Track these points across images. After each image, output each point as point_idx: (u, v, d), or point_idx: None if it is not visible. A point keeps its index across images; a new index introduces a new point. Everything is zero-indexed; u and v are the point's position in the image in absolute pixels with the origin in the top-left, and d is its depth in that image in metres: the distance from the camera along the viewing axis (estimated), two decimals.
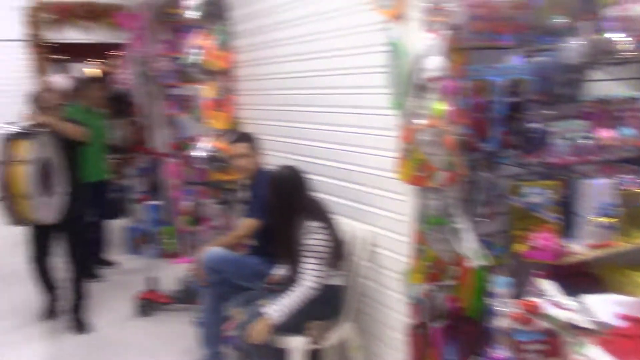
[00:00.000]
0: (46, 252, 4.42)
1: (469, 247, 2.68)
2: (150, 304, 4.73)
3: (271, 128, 4.13)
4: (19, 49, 9.37)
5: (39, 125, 4.08)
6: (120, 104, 7.65)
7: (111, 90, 7.40)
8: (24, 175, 3.89)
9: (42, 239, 4.40)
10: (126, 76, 6.76)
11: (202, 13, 4.44)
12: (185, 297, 4.63)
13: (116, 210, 6.34)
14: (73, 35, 9.61)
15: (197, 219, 5.60)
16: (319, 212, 3.15)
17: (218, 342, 3.71)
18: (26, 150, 3.95)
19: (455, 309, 2.76)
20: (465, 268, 2.69)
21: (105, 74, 10.16)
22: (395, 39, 2.71)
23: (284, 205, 3.13)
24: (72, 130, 4.24)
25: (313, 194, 3.24)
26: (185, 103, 6.22)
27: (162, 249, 6.16)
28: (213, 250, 3.55)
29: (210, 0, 4.41)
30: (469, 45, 2.59)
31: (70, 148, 4.28)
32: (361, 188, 3.31)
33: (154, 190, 6.52)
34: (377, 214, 3.19)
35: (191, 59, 4.63)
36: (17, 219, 4.00)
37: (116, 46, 8.44)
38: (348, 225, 3.32)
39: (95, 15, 9.50)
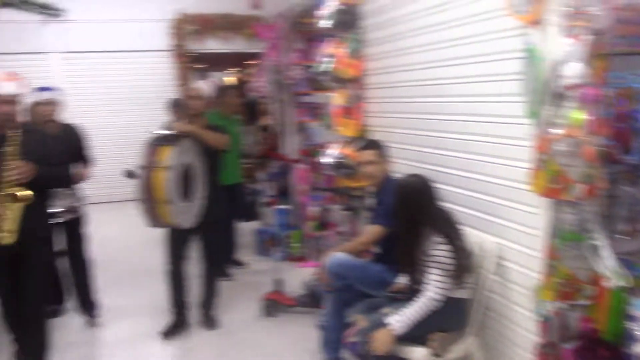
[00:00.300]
0: (182, 255, 4.50)
1: (607, 265, 2.52)
2: (275, 305, 4.86)
3: (400, 136, 4.11)
4: (164, 58, 10.04)
5: (183, 133, 4.16)
6: (253, 111, 7.97)
7: (246, 98, 7.73)
8: (166, 180, 3.95)
9: (179, 242, 4.47)
10: (261, 84, 7.01)
11: (334, 22, 4.51)
12: (309, 300, 4.71)
13: (248, 213, 6.59)
14: (213, 45, 10.16)
15: (324, 224, 5.69)
16: (446, 222, 3.09)
17: (339, 347, 3.74)
18: (169, 156, 4.00)
19: (589, 331, 2.60)
20: (602, 288, 2.53)
21: (241, 81, 10.64)
22: (532, 45, 2.61)
23: (411, 214, 3.10)
24: (215, 139, 4.32)
25: (441, 203, 3.19)
26: (315, 110, 6.37)
27: (289, 252, 6.31)
28: (337, 256, 3.59)
29: (343, 9, 4.46)
30: (612, 50, 2.44)
31: (211, 154, 4.36)
32: (491, 199, 3.21)
33: (283, 194, 6.72)
34: (507, 226, 3.08)
35: (323, 67, 4.71)
36: (157, 222, 4.08)
37: (252, 55, 8.81)
38: (475, 237, 3.24)
39: (234, 26, 9.98)
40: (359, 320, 3.19)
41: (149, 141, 4.10)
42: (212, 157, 4.39)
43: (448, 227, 3.07)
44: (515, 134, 2.90)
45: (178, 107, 7.03)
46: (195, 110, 4.38)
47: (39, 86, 4.65)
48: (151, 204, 3.99)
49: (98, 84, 9.54)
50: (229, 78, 11.58)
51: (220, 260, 5.38)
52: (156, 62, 9.97)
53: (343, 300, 3.60)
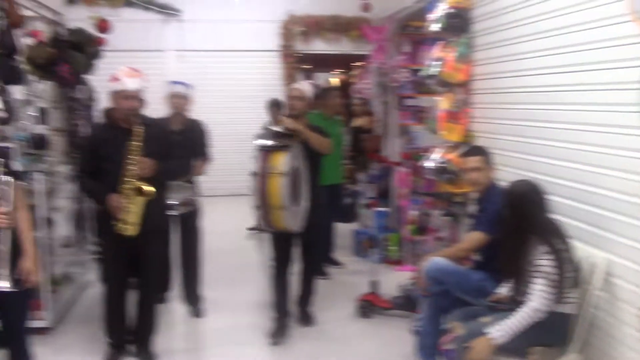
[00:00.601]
0: (288, 258, 4.50)
1: None
2: (370, 306, 4.88)
3: (506, 143, 4.02)
4: (272, 58, 10.31)
5: (289, 131, 4.17)
6: (348, 112, 8.03)
7: (349, 99, 7.80)
8: (280, 187, 3.97)
9: (285, 245, 4.46)
10: (365, 86, 7.05)
11: (444, 26, 4.48)
12: (405, 304, 4.71)
13: (347, 214, 6.65)
14: (320, 46, 10.32)
15: (423, 228, 5.66)
16: (554, 233, 3.00)
17: (434, 353, 3.72)
18: (282, 161, 4.02)
19: None
20: None
21: (345, 83, 10.73)
22: None
23: (518, 220, 3.04)
24: (320, 142, 4.30)
25: (549, 212, 3.10)
26: (420, 114, 6.33)
27: (386, 255, 6.32)
28: (436, 260, 3.56)
29: (453, 13, 4.41)
30: None
31: (313, 156, 4.36)
32: (601, 212, 3.08)
33: (383, 197, 6.72)
34: (618, 241, 2.94)
35: (430, 70, 4.68)
36: (271, 227, 4.17)
37: (358, 57, 8.88)
38: (583, 251, 3.11)
39: (341, 27, 10.10)
40: (456, 327, 3.16)
41: (261, 146, 4.15)
42: (315, 159, 4.40)
43: (556, 238, 2.98)
44: (632, 146, 2.77)
45: (276, 107, 7.23)
46: (297, 110, 4.38)
47: (173, 80, 4.87)
48: (266, 210, 4.06)
49: (209, 82, 9.94)
50: (334, 79, 11.71)
51: (319, 260, 5.41)
52: (264, 62, 10.27)
53: (439, 306, 3.58)
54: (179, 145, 4.41)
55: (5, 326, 3.10)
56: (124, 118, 3.76)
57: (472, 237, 3.60)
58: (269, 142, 4.16)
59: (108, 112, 3.94)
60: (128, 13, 9.44)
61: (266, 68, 10.24)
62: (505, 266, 3.15)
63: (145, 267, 3.99)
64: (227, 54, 10.20)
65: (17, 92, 4.67)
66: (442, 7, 4.53)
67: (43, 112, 5.84)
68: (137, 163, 3.67)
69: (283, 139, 4.17)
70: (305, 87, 4.52)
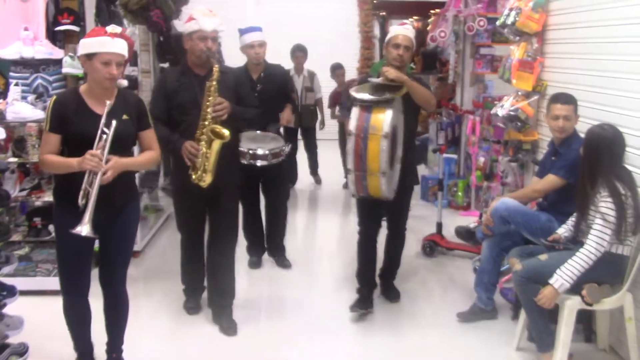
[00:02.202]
0: (377, 225, 4.15)
1: None
2: (434, 245, 5.15)
3: (578, 93, 4.07)
4: (348, 4, 10.40)
5: (393, 82, 3.69)
6: (431, 61, 8.10)
7: (426, 47, 7.86)
8: (381, 150, 3.54)
9: (375, 211, 4.09)
10: (441, 34, 7.09)
11: None
12: (466, 236, 4.95)
13: (418, 158, 6.85)
14: None
15: (490, 175, 5.80)
16: (622, 179, 3.12)
17: (493, 290, 3.96)
18: (385, 121, 3.56)
19: None
20: None
21: (420, 30, 10.71)
22: None
23: (591, 162, 3.17)
24: (426, 95, 3.85)
25: (622, 160, 3.21)
26: (494, 63, 6.38)
27: (453, 200, 6.52)
28: (507, 200, 3.73)
29: None
30: None
31: (412, 112, 3.96)
32: None
33: (453, 143, 6.87)
34: None
35: (506, 19, 4.75)
36: (365, 193, 3.73)
37: (435, 4, 8.86)
38: None
39: None
40: (514, 263, 3.37)
41: (360, 100, 3.65)
42: (412, 115, 3.99)
43: (622, 183, 3.10)
44: None
45: (340, 70, 7.40)
46: (401, 62, 3.85)
47: (247, 26, 4.58)
48: (361, 175, 3.64)
49: (285, 27, 10.16)
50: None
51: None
52: (340, 8, 10.38)
53: (500, 247, 3.79)
54: (262, 95, 4.42)
55: (104, 254, 3.13)
56: (199, 61, 3.61)
57: (548, 180, 3.66)
58: (368, 97, 3.64)
59: (183, 57, 3.81)
60: None
61: (343, 14, 10.36)
62: (573, 206, 3.32)
63: (218, 221, 3.82)
64: (305, 1, 10.37)
65: None
66: None
67: (134, 55, 6.27)
68: (214, 104, 3.49)
69: (384, 92, 3.66)
70: (411, 32, 3.93)
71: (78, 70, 4.19)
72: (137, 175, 4.16)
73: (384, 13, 11.34)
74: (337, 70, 7.47)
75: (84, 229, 2.77)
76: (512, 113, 4.61)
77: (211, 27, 3.54)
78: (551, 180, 3.60)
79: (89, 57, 2.86)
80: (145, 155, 3.11)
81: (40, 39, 4.18)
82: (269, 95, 4.57)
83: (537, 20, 4.49)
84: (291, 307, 4.28)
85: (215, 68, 3.50)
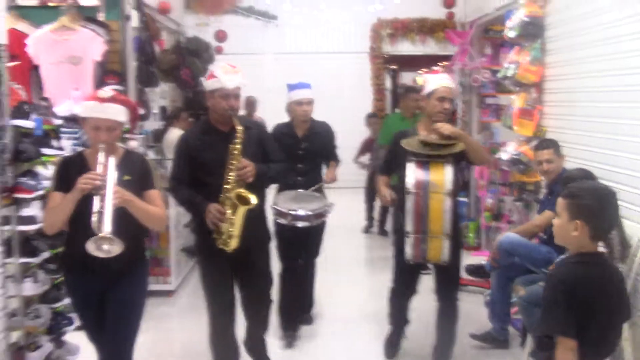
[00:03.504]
0: (415, 288, 3.96)
1: None
2: None
3: (573, 136, 4.49)
4: (361, 59, 10.97)
5: (447, 139, 3.52)
6: None
7: None
8: (445, 209, 3.36)
9: (416, 274, 3.91)
10: None
11: (519, 32, 5.00)
12: (476, 272, 5.28)
13: None
14: (406, 47, 10.89)
15: (498, 215, 6.17)
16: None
17: (505, 319, 4.30)
18: (445, 176, 3.40)
19: None
20: None
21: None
22: None
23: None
24: (480, 150, 3.71)
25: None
26: (499, 111, 6.83)
27: (465, 242, 6.87)
28: (510, 235, 4.13)
29: (528, 21, 4.92)
30: None
31: (460, 168, 3.76)
32: None
33: (462, 188, 7.26)
34: None
35: (507, 72, 5.21)
36: (423, 257, 3.52)
37: (443, 58, 9.39)
38: (632, 228, 3.58)
39: (427, 29, 10.62)
40: (518, 289, 3.74)
41: (415, 155, 3.49)
42: (459, 172, 3.76)
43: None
44: None
45: (374, 118, 7.75)
46: (444, 114, 3.65)
47: (295, 83, 4.50)
48: (422, 237, 3.41)
49: (303, 80, 10.66)
50: (419, 79, 12.22)
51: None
52: (354, 62, 10.95)
53: (507, 276, 4.15)
54: (307, 153, 4.38)
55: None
56: (222, 119, 3.43)
57: (544, 216, 4.08)
58: (426, 152, 3.48)
59: (206, 114, 3.70)
60: (231, 20, 10.34)
61: (356, 68, 10.91)
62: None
63: (248, 283, 3.62)
64: (320, 56, 10.95)
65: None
66: (518, 15, 5.06)
67: (164, 110, 6.81)
68: (238, 167, 3.29)
69: (437, 149, 3.48)
70: (451, 82, 3.77)
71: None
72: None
73: (394, 66, 11.91)
74: (371, 118, 7.89)
75: (104, 227, 2.62)
76: (515, 157, 5.01)
77: (233, 85, 3.37)
78: (547, 215, 3.99)
79: (83, 120, 2.89)
80: (152, 207, 2.95)
81: None
82: (314, 152, 4.47)
83: (535, 72, 4.94)
84: None
85: (239, 129, 3.33)
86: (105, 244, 2.61)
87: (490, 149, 6.55)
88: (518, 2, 5.16)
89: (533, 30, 4.95)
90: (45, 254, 3.58)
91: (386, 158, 3.96)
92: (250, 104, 8.53)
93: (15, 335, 3.38)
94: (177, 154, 3.61)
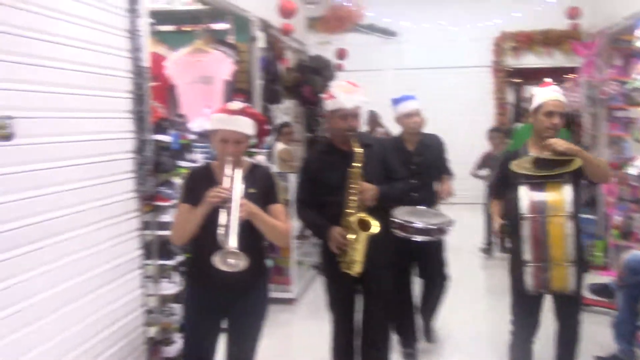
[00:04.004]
0: (538, 322, 3.52)
1: None
2: None
3: None
4: (483, 73, 10.84)
5: (563, 156, 3.17)
6: (567, 124, 8.24)
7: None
8: (566, 233, 3.07)
9: (538, 306, 3.47)
10: (575, 98, 7.32)
11: None
12: (601, 291, 5.06)
13: None
14: (530, 60, 10.63)
15: (627, 233, 5.87)
16: None
17: (632, 340, 4.10)
18: (565, 197, 3.11)
19: None
20: None
21: None
22: None
23: None
24: (601, 165, 3.34)
25: None
26: (628, 125, 6.52)
27: (592, 261, 6.58)
28: (638, 253, 3.96)
29: None
30: None
31: (579, 186, 3.31)
32: None
33: (589, 204, 6.96)
34: None
35: (637, 83, 5.00)
36: (544, 287, 3.20)
37: (569, 70, 9.08)
38: None
39: (552, 41, 10.31)
40: None
41: (528, 177, 3.22)
42: (579, 190, 3.33)
43: None
44: None
45: (496, 132, 7.55)
46: (555, 132, 3.33)
47: (400, 96, 4.42)
48: (543, 266, 3.13)
49: (424, 97, 10.70)
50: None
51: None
52: (475, 77, 10.83)
53: (635, 296, 3.97)
54: (419, 168, 4.23)
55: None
56: (342, 139, 3.38)
57: None
58: (535, 173, 3.21)
59: (327, 134, 3.64)
60: (352, 38, 10.59)
61: (477, 82, 10.78)
62: None
63: (371, 305, 3.55)
64: (441, 70, 10.93)
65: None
66: None
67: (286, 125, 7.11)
68: (358, 191, 3.24)
69: (550, 167, 3.19)
70: (561, 95, 3.44)
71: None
72: None
73: (518, 80, 11.64)
74: (492, 132, 7.79)
75: (226, 245, 2.63)
76: None
77: (351, 105, 3.30)
78: None
79: (213, 133, 2.92)
80: (277, 221, 2.93)
81: None
82: (426, 166, 4.31)
83: None
84: None
85: (358, 151, 3.24)
86: (231, 258, 2.62)
87: (620, 163, 6.26)
88: None
89: None
90: (179, 257, 3.89)
91: (496, 180, 3.73)
92: (373, 119, 8.64)
93: (152, 331, 3.69)
94: (301, 175, 3.65)
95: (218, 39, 5.03)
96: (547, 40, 10.35)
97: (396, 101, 4.40)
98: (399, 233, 3.70)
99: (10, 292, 2.50)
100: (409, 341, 4.47)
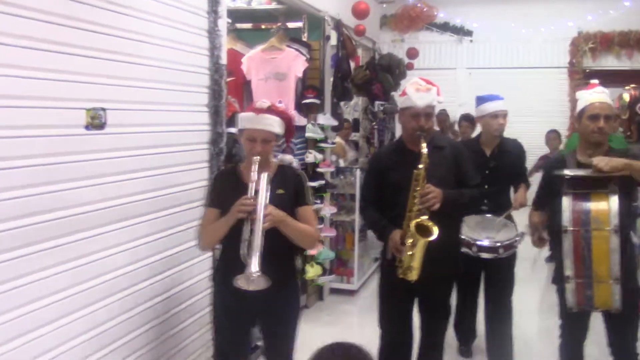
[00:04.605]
0: (584, 336, 3.30)
1: None
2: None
3: None
4: (560, 75, 10.67)
5: (604, 173, 2.91)
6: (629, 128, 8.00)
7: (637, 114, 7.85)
8: (612, 248, 2.87)
9: (586, 322, 3.25)
10: None
11: None
12: None
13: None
14: (609, 62, 10.39)
15: None
16: None
17: None
18: (611, 211, 2.90)
19: None
20: None
21: (636, 98, 10.55)
22: None
23: None
24: None
25: None
26: None
27: None
28: None
29: None
30: None
31: (626, 195, 3.05)
32: None
33: None
34: None
35: None
36: (588, 305, 2.99)
37: None
38: None
39: (633, 42, 10.04)
40: None
41: (571, 186, 3.02)
42: (629, 197, 3.12)
43: None
44: None
45: (554, 134, 7.40)
46: (602, 137, 3.12)
47: (487, 94, 4.19)
48: (586, 282, 2.94)
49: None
50: (625, 95, 11.54)
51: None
52: (551, 78, 10.67)
53: None
54: (495, 173, 3.99)
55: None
56: (412, 139, 3.24)
57: None
58: (578, 174, 3.03)
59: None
60: (426, 36, 10.65)
61: (553, 84, 10.62)
62: None
63: (429, 316, 3.45)
64: (514, 71, 10.82)
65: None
66: None
67: (356, 122, 7.29)
68: (421, 194, 3.05)
69: (592, 187, 2.99)
70: (606, 96, 3.21)
71: (318, 135, 5.17)
72: None
73: (596, 82, 11.37)
74: (550, 134, 7.70)
75: (248, 270, 2.55)
76: None
77: (423, 104, 3.16)
78: None
79: (240, 132, 2.89)
80: (305, 226, 2.85)
81: (290, 109, 5.19)
82: (502, 172, 4.04)
83: None
84: None
85: (424, 153, 3.08)
86: (254, 279, 2.55)
87: None
88: None
89: None
90: None
91: (540, 190, 3.49)
92: (442, 120, 8.54)
93: None
94: (367, 172, 3.57)
95: (292, 37, 5.24)
96: (628, 41, 10.09)
97: (481, 100, 4.14)
98: (465, 250, 3.64)
99: (99, 264, 2.77)
100: (466, 337, 4.49)
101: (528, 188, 4.19)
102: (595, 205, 2.92)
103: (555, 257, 3.32)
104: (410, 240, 3.04)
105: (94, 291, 2.76)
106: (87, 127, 2.63)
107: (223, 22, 3.55)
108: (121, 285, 2.94)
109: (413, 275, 3.09)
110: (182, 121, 3.35)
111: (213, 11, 3.39)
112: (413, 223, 3.02)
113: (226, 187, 2.86)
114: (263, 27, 5.48)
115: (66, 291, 2.58)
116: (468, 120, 6.72)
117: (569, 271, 2.95)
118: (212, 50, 3.46)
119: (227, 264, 2.86)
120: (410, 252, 3.04)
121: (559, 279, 3.15)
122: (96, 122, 2.67)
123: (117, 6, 2.79)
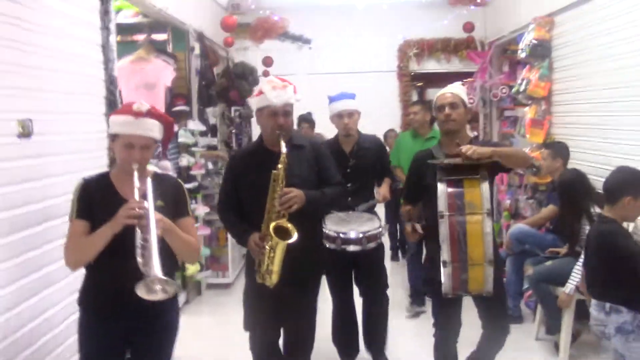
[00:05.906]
0: (459, 323, 3.37)
1: None
2: None
3: (578, 142, 5.16)
4: (389, 78, 11.73)
5: (472, 160, 2.97)
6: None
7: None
8: (485, 231, 2.91)
9: (458, 308, 3.30)
10: (470, 100, 8.30)
11: (529, 53, 5.73)
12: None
13: None
14: (431, 65, 11.61)
15: (516, 214, 6.84)
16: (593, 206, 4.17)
17: (519, 299, 5.03)
18: (482, 195, 2.96)
19: None
20: None
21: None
22: None
23: (567, 199, 4.32)
24: (517, 154, 3.23)
25: (591, 193, 4.26)
26: (515, 123, 7.54)
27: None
28: (520, 226, 4.88)
29: (537, 43, 5.65)
30: None
31: (490, 180, 3.15)
32: None
33: None
34: None
35: (520, 87, 5.94)
36: (462, 288, 3.00)
37: (465, 75, 10.10)
38: None
39: (451, 49, 11.33)
40: (528, 269, 4.49)
41: (443, 175, 3.05)
42: (492, 182, 3.28)
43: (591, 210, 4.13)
44: None
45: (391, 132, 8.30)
46: (454, 124, 3.24)
47: (335, 94, 4.21)
48: (461, 266, 2.93)
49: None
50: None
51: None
52: (382, 80, 11.71)
53: (520, 261, 4.87)
54: (356, 170, 3.98)
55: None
56: (272, 139, 3.17)
57: (549, 209, 4.87)
58: (449, 161, 3.08)
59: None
60: (271, 44, 11.19)
61: (386, 87, 11.65)
62: (563, 229, 4.42)
63: (292, 321, 3.36)
64: (351, 75, 11.72)
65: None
66: (528, 38, 5.80)
67: (214, 127, 7.66)
68: (280, 195, 2.98)
69: (462, 174, 3.04)
70: (457, 88, 3.33)
71: (190, 139, 5.51)
72: None
73: (420, 84, 12.64)
74: (389, 132, 8.52)
75: (152, 273, 2.25)
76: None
77: (281, 102, 3.09)
78: (551, 208, 4.73)
79: (113, 138, 2.55)
80: (190, 237, 2.62)
81: None
82: (363, 170, 4.05)
83: (544, 87, 5.66)
84: None
85: (283, 154, 3.01)
86: (157, 286, 2.27)
87: None
88: (528, 27, 5.89)
89: (541, 52, 5.67)
90: None
91: (408, 184, 3.53)
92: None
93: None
94: (224, 175, 3.46)
95: (158, 48, 5.52)
96: (447, 47, 11.35)
97: (331, 99, 4.17)
98: (330, 245, 3.55)
99: None
100: (350, 352, 4.22)
101: (392, 182, 4.30)
102: (469, 191, 2.97)
103: (429, 246, 3.32)
104: (269, 244, 2.96)
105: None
106: None
107: (114, 38, 3.81)
108: None
109: (272, 280, 3.00)
110: (83, 129, 3.56)
111: (106, 27, 3.66)
112: (272, 225, 2.95)
113: (97, 197, 2.52)
114: (129, 40, 5.68)
115: None
116: (307, 121, 6.70)
117: (445, 256, 2.94)
118: (106, 63, 3.71)
119: (96, 286, 2.57)
120: (270, 255, 2.96)
121: (433, 268, 3.11)
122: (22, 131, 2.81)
123: (23, 22, 2.98)
